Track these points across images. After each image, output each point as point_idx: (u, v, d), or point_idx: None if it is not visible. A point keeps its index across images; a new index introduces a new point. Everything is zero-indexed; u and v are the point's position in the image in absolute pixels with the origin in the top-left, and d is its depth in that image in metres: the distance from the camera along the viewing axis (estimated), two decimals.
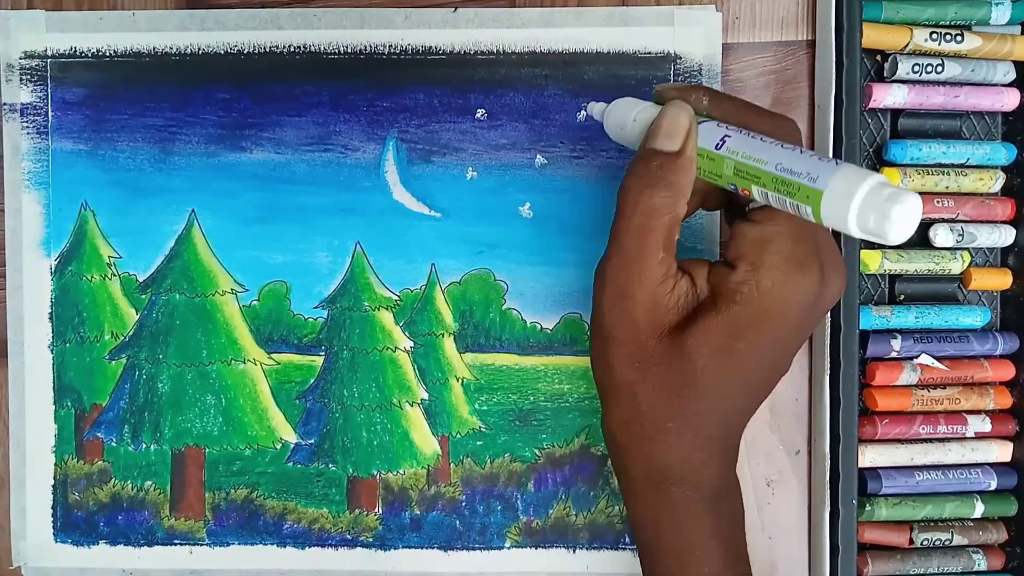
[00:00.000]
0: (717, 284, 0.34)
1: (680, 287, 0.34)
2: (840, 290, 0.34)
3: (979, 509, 0.42)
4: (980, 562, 0.42)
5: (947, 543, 0.42)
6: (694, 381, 0.33)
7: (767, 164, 0.31)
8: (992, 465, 0.43)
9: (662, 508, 0.35)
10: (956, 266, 0.43)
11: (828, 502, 0.42)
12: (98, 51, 0.43)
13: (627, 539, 0.44)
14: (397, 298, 0.44)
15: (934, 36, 0.41)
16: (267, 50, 0.43)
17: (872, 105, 0.42)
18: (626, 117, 0.36)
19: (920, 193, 0.42)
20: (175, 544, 0.44)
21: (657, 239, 0.33)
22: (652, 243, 0.33)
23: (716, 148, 0.33)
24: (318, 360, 0.44)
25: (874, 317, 0.42)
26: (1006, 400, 0.43)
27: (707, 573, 0.35)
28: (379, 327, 0.44)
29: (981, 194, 0.43)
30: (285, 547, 0.44)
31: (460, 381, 0.44)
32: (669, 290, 0.34)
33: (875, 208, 0.28)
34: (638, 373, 0.34)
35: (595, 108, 0.38)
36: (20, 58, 0.43)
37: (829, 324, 0.42)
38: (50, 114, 0.44)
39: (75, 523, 0.44)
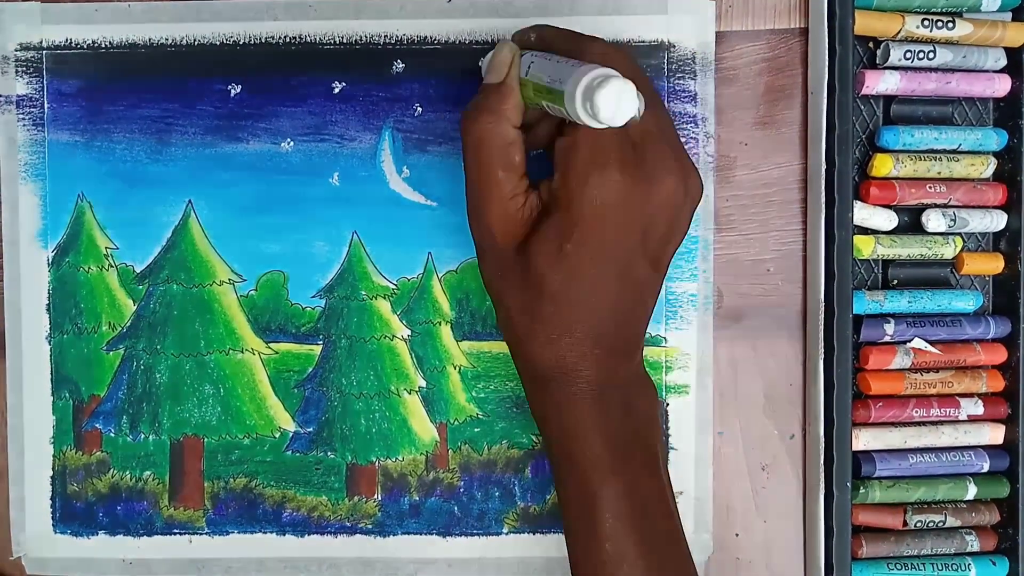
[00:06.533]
0: (546, 194, 0.37)
1: (531, 202, 0.37)
2: (684, 191, 0.36)
3: (972, 491, 0.43)
4: (973, 543, 0.43)
5: (940, 525, 0.43)
6: (540, 285, 0.36)
7: (543, 79, 0.34)
8: (984, 447, 0.43)
9: (545, 401, 0.38)
10: (948, 251, 0.43)
11: (822, 485, 0.43)
12: (94, 43, 0.43)
13: None
14: (394, 287, 0.44)
15: (926, 23, 0.42)
16: (263, 41, 0.43)
17: (865, 92, 0.42)
18: (483, 63, 0.40)
19: (912, 179, 0.42)
20: (175, 534, 0.44)
21: (493, 160, 0.36)
22: (489, 164, 0.36)
23: (524, 74, 0.36)
24: (316, 349, 0.44)
25: (867, 302, 0.42)
26: (998, 383, 0.43)
27: (588, 457, 0.37)
28: (377, 316, 0.44)
29: (973, 179, 0.43)
30: (284, 535, 0.44)
31: (457, 369, 0.44)
32: (520, 206, 0.36)
33: (589, 96, 0.32)
34: (502, 281, 0.38)
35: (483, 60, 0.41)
36: (15, 50, 0.43)
37: (823, 309, 0.42)
38: (46, 106, 0.44)
39: (74, 514, 0.44)
